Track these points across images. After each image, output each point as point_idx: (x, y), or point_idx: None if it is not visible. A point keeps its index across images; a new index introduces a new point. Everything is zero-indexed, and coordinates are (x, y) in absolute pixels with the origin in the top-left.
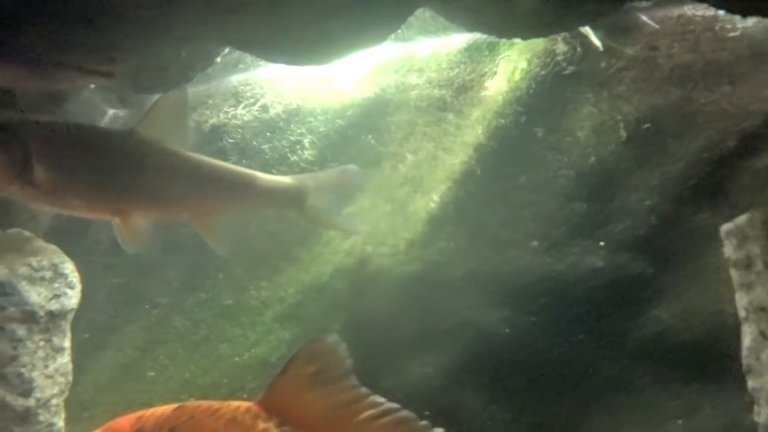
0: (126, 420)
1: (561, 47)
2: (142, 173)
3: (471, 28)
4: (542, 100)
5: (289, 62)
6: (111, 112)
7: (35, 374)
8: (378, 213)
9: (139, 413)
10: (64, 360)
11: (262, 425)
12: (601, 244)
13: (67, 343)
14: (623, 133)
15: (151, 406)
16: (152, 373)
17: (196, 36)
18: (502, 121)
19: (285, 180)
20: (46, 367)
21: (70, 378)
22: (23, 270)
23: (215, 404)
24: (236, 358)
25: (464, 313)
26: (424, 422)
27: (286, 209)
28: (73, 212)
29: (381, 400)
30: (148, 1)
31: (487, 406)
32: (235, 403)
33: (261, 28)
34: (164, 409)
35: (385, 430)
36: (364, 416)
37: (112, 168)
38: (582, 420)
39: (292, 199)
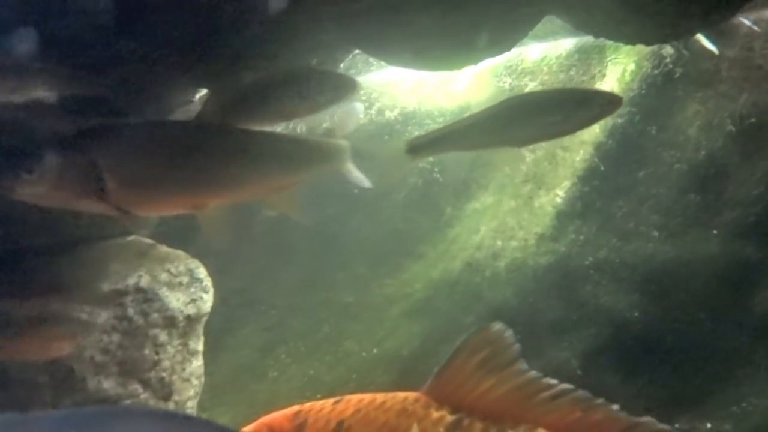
0: (283, 417)
1: (668, 50)
2: (209, 161)
3: (600, 35)
4: (653, 99)
5: (424, 68)
6: None
7: (174, 378)
8: (504, 209)
9: (295, 409)
10: (198, 363)
11: (435, 414)
12: (715, 232)
13: (200, 347)
14: (731, 129)
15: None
16: (274, 373)
17: (329, 43)
18: (618, 120)
19: (328, 140)
20: (183, 370)
21: (203, 380)
22: (164, 276)
23: (378, 396)
24: (363, 354)
25: (596, 301)
26: (601, 400)
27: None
28: (151, 214)
29: (554, 381)
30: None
31: (624, 384)
32: (400, 394)
33: (409, 38)
34: (322, 403)
35: (563, 409)
36: (540, 398)
37: (182, 163)
38: (711, 392)
39: (339, 156)
